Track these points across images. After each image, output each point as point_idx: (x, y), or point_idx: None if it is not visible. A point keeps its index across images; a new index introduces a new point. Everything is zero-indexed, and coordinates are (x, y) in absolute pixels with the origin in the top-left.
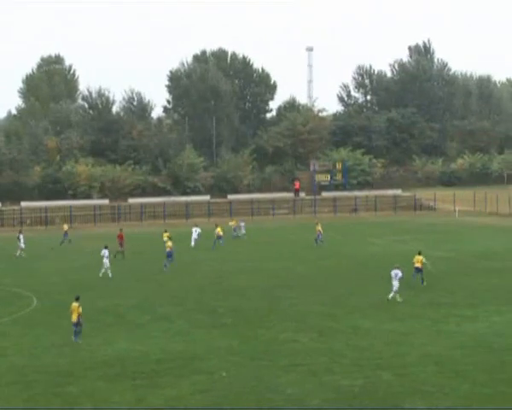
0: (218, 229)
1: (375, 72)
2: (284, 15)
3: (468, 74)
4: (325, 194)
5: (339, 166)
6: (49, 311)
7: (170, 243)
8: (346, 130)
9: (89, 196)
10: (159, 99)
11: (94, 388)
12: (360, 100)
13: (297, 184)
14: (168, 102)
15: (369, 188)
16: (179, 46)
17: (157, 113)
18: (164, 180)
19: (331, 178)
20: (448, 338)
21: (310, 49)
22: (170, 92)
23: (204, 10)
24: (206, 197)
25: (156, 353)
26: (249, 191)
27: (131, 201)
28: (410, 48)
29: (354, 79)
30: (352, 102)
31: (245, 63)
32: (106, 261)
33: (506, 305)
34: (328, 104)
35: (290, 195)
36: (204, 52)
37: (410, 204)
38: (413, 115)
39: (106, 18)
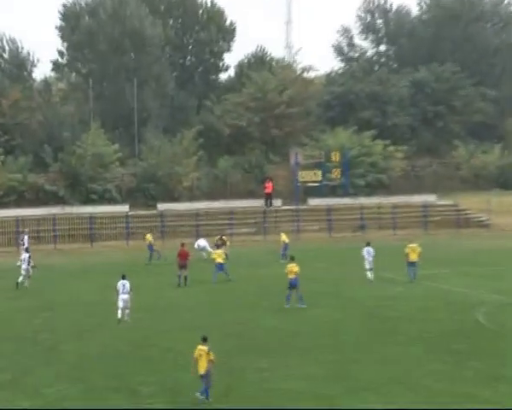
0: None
1: (393, 8)
2: None
3: None
4: (314, 202)
5: (335, 157)
6: None
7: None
8: (348, 100)
9: None
10: (45, 49)
11: None
12: (369, 52)
13: (269, 187)
14: (60, 53)
15: (383, 192)
16: None
17: (43, 71)
18: (54, 180)
19: (323, 176)
20: None
21: None
22: (63, 38)
23: None
24: (124, 208)
25: None
26: (192, 198)
27: (0, 213)
28: None
29: (360, 18)
30: (357, 55)
31: None
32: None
33: None
34: (320, 59)
35: (258, 203)
36: None
37: (449, 218)
38: (454, 76)
39: None
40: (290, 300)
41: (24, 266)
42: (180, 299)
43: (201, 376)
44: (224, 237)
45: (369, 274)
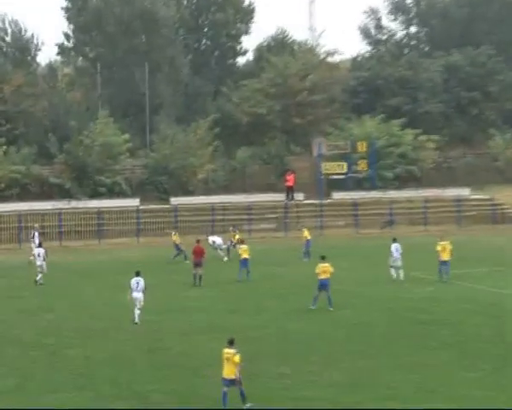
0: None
1: None
2: None
3: None
4: (338, 195)
5: (362, 147)
6: None
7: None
8: (375, 86)
9: None
10: (50, 32)
11: None
12: (398, 34)
13: (290, 180)
14: (66, 36)
15: (413, 185)
16: None
17: (48, 55)
18: (59, 172)
19: (349, 168)
20: None
21: None
22: (69, 20)
23: None
24: (134, 202)
25: None
26: (208, 191)
27: (1, 207)
28: None
29: None
30: (385, 37)
31: None
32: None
33: None
34: (345, 42)
35: (279, 197)
36: None
37: (484, 213)
38: (489, 60)
39: None
40: (317, 301)
41: (38, 263)
42: (195, 299)
43: (225, 379)
44: (237, 234)
45: (393, 271)
